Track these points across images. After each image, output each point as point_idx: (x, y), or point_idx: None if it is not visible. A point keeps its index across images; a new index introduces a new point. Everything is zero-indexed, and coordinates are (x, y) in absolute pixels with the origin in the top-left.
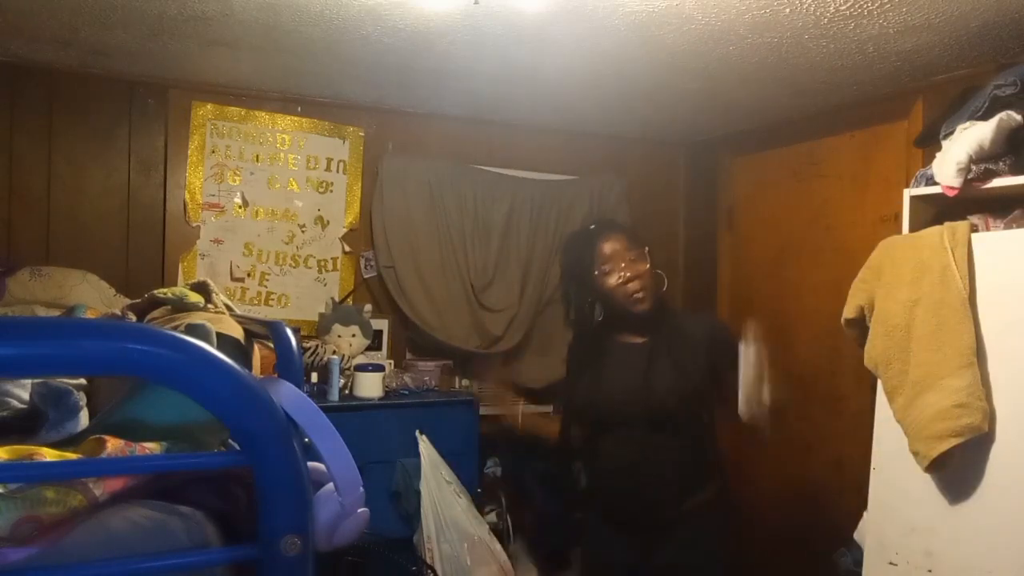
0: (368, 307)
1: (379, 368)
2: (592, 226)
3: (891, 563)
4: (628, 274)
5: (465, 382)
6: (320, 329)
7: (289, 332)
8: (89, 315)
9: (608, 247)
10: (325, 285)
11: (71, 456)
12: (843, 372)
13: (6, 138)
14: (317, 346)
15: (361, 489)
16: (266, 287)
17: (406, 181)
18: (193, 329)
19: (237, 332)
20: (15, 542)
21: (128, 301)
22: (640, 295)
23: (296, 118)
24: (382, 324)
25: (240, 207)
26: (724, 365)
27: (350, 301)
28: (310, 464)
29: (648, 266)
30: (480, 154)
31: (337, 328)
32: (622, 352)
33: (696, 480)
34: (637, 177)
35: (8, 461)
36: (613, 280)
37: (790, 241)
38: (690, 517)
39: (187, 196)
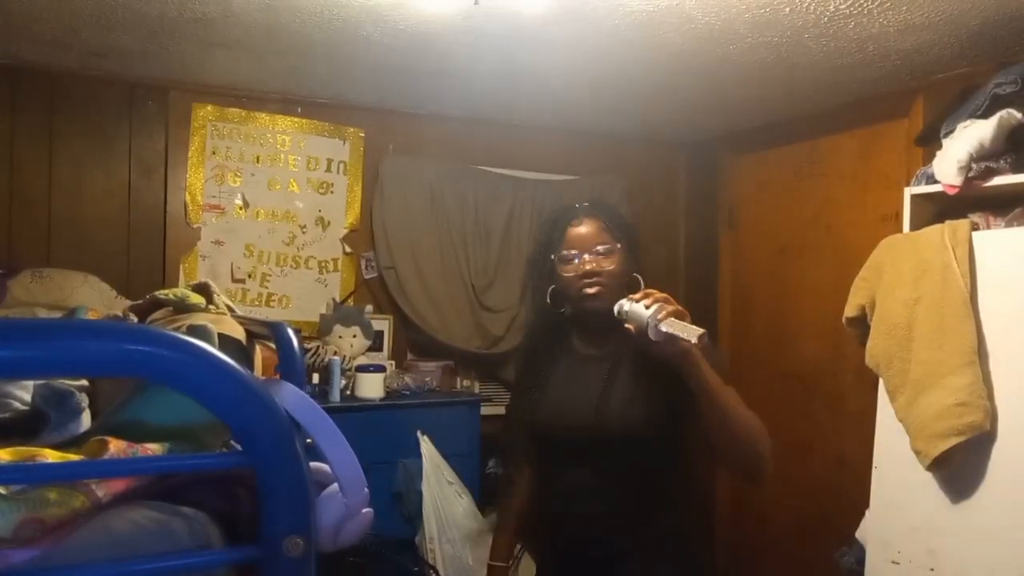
0: (369, 308)
1: (380, 369)
2: (577, 204)
3: (894, 562)
4: (587, 267)
5: (466, 382)
6: (321, 330)
7: (291, 333)
8: (91, 317)
9: (576, 231)
10: (326, 286)
11: (74, 458)
12: (844, 371)
13: (7, 140)
14: (318, 347)
15: (366, 490)
16: (267, 288)
17: (406, 182)
18: (195, 330)
19: (239, 333)
20: (18, 543)
21: (129, 303)
22: (591, 291)
23: (296, 119)
24: (383, 325)
25: (241, 208)
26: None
27: (351, 302)
28: (314, 465)
29: (615, 266)
30: (480, 155)
31: (338, 329)
32: (577, 363)
33: (652, 509)
34: (637, 177)
35: (10, 463)
36: (568, 270)
37: (791, 240)
38: (644, 549)
39: (188, 197)
